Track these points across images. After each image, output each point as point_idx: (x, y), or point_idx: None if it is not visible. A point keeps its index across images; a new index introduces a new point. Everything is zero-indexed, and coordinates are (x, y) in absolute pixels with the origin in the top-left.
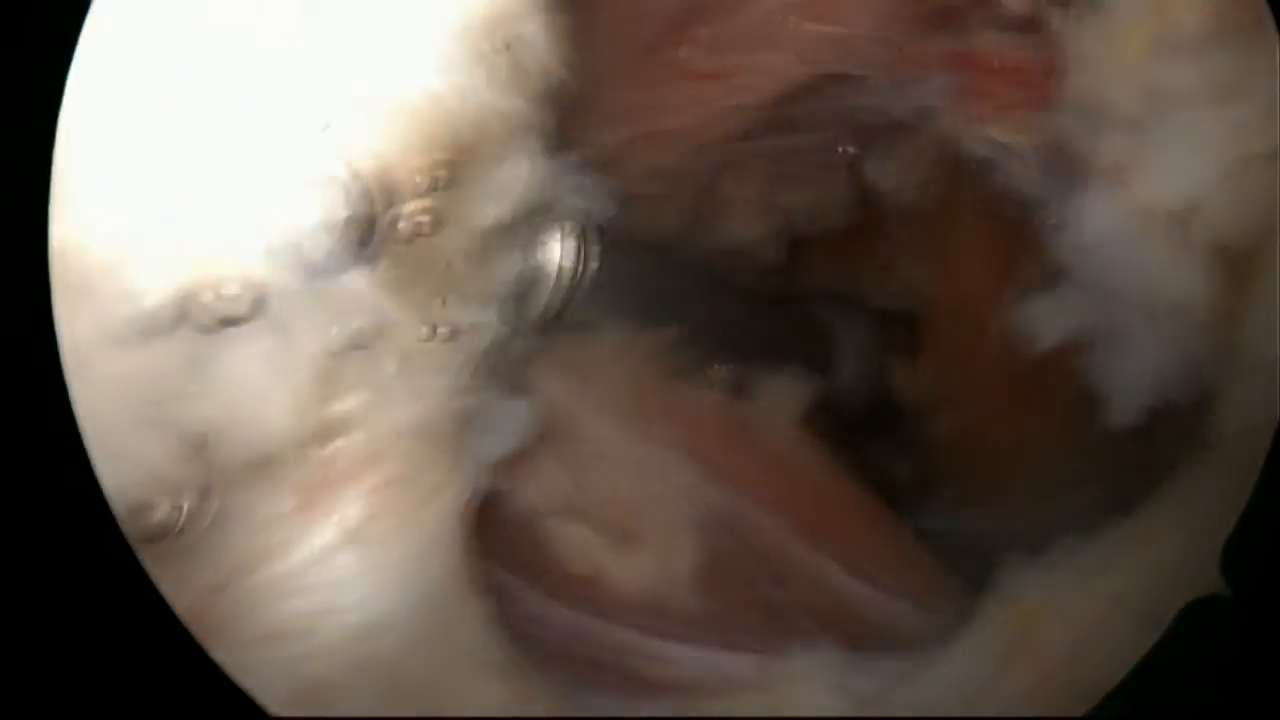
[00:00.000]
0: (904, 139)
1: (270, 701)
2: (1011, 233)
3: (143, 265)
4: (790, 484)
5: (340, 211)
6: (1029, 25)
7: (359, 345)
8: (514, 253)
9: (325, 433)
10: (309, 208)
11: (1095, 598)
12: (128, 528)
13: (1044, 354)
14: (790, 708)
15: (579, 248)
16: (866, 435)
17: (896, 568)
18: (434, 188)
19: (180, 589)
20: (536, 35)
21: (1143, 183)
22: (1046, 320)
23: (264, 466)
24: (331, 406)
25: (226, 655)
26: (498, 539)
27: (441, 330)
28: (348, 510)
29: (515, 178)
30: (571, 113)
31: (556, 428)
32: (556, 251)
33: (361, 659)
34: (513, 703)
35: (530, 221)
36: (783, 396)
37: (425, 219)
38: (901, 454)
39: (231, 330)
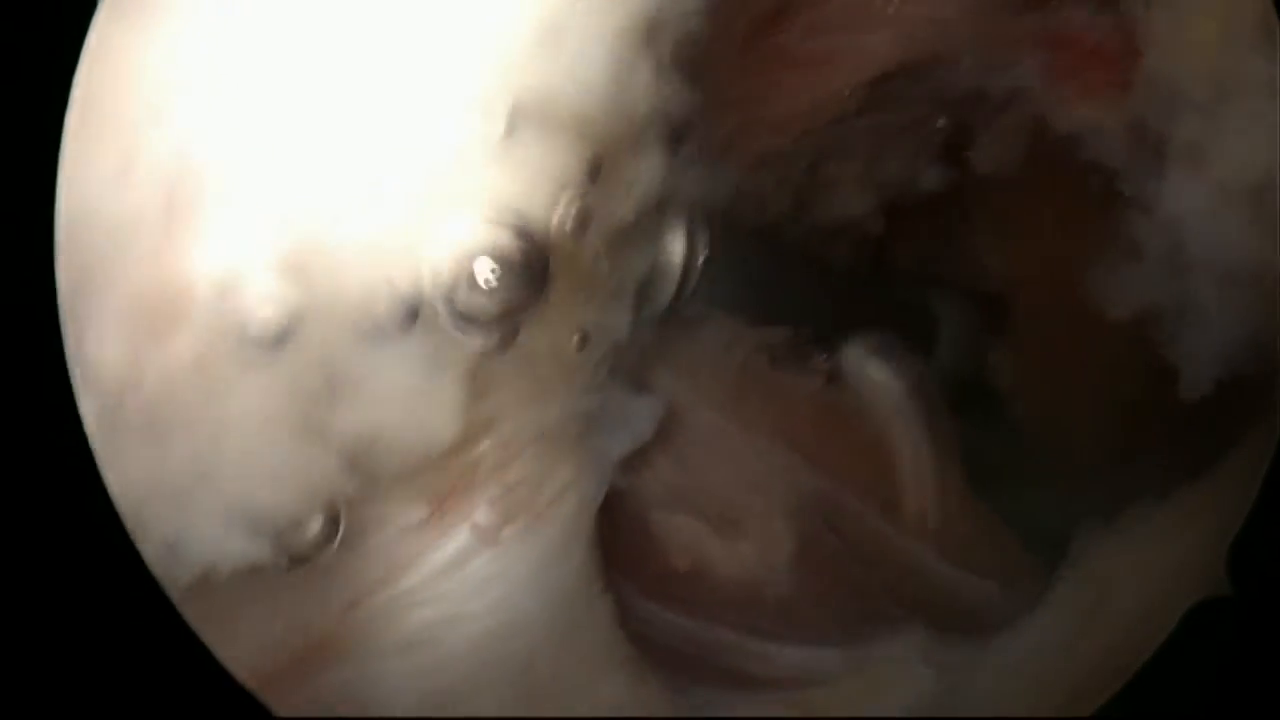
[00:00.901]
0: (995, 116)
1: (397, 710)
2: (1095, 209)
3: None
4: (883, 469)
5: (508, 252)
6: (1106, 5)
7: (506, 346)
8: (643, 248)
9: (468, 439)
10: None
11: (1168, 561)
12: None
13: (1121, 325)
14: (883, 690)
15: (692, 239)
16: (962, 415)
17: (984, 549)
18: (587, 184)
19: (318, 609)
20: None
21: (1218, 162)
22: (1124, 292)
23: (412, 475)
24: (477, 410)
25: (353, 671)
26: (610, 535)
27: (588, 329)
28: (478, 516)
29: (649, 171)
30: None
31: (665, 419)
32: (678, 245)
33: (490, 663)
34: (635, 700)
35: (656, 215)
36: (880, 384)
37: (574, 216)
38: (992, 432)
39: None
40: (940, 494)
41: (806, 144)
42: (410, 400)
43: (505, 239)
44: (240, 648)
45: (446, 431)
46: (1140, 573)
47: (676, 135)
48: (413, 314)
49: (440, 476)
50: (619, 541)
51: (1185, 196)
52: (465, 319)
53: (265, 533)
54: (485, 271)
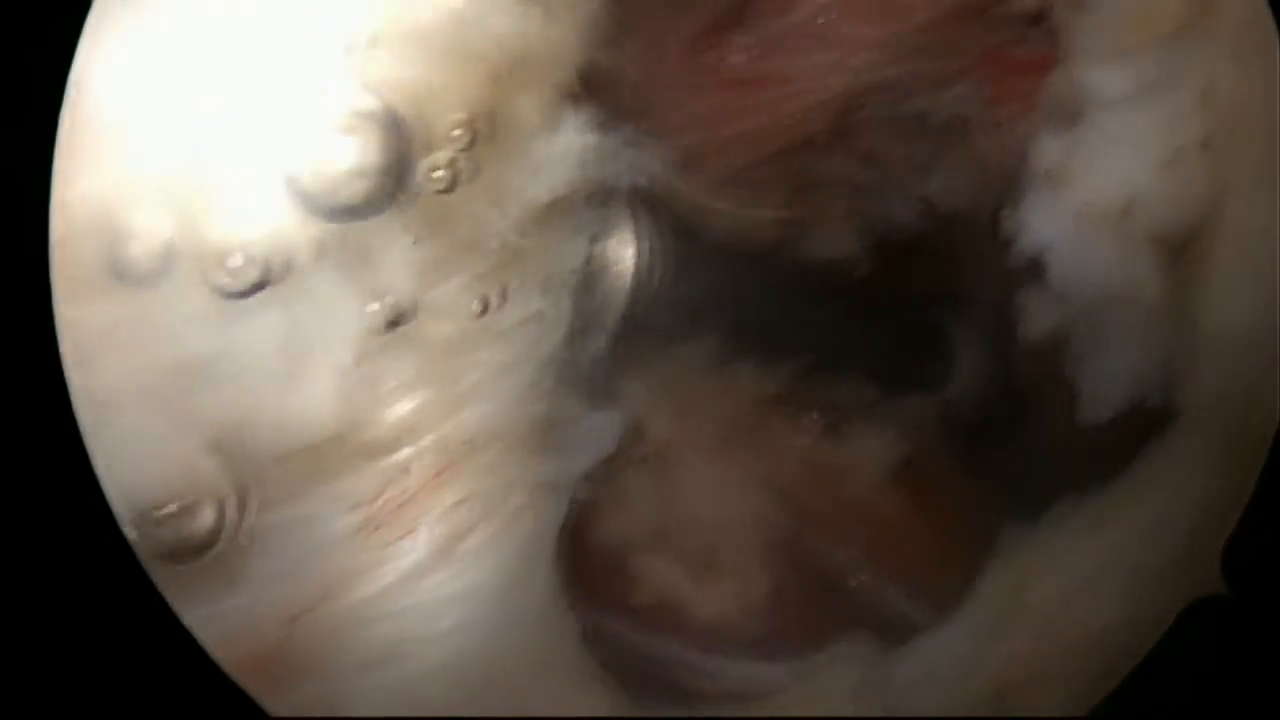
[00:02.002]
0: (946, 150)
1: None
2: None
3: (146, 218)
4: (870, 523)
5: (374, 153)
6: (1040, 19)
7: (399, 322)
8: (578, 238)
9: (387, 442)
10: (338, 149)
11: (1088, 553)
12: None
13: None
14: (825, 699)
15: (653, 246)
16: (997, 434)
17: (930, 562)
18: (471, 141)
19: (247, 619)
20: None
21: (1081, 183)
22: (1036, 313)
23: (315, 474)
24: (387, 409)
25: (318, 687)
26: (581, 564)
27: (504, 313)
28: (432, 529)
29: (565, 149)
30: (627, 100)
31: (644, 450)
32: (627, 245)
33: (455, 685)
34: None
35: (592, 206)
36: (877, 444)
37: (459, 170)
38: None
39: (257, 297)
40: (921, 547)
41: (780, 168)
42: (286, 375)
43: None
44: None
45: (335, 416)
46: (1056, 574)
47: (605, 119)
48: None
49: (362, 481)
50: (592, 572)
51: (1052, 221)
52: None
53: (148, 523)
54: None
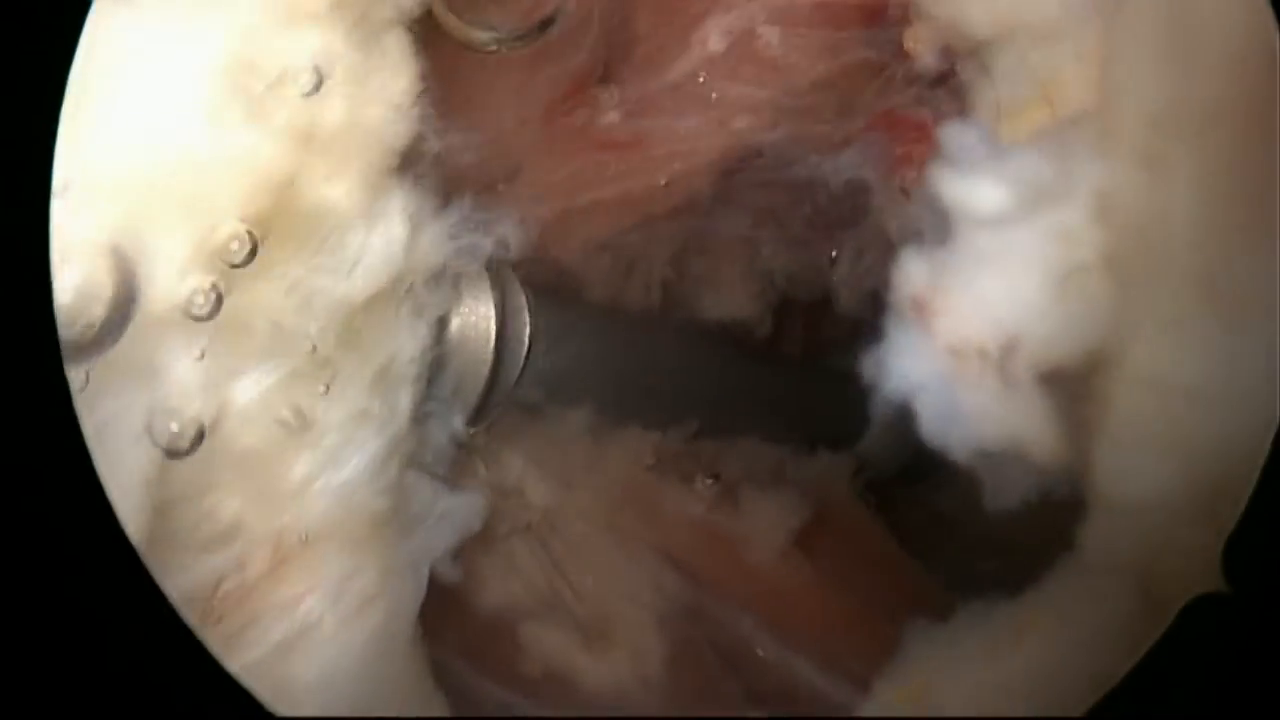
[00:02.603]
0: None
1: None
2: None
3: None
4: (774, 591)
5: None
6: (945, 79)
7: (197, 441)
8: (418, 324)
9: (216, 538)
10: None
11: (986, 682)
12: None
13: None
14: None
15: (519, 318)
16: (922, 479)
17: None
18: (252, 251)
19: None
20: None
21: (949, 318)
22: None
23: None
24: (208, 511)
25: None
26: (467, 638)
27: (325, 415)
28: (270, 625)
29: (388, 238)
30: (469, 173)
31: (527, 518)
32: (487, 319)
33: None
34: None
35: (437, 287)
36: (773, 514)
37: (209, 298)
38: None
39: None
40: (823, 612)
41: (659, 233)
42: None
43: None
44: None
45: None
46: (960, 679)
47: (436, 203)
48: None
49: (195, 575)
50: (479, 646)
51: (918, 363)
52: None
53: None
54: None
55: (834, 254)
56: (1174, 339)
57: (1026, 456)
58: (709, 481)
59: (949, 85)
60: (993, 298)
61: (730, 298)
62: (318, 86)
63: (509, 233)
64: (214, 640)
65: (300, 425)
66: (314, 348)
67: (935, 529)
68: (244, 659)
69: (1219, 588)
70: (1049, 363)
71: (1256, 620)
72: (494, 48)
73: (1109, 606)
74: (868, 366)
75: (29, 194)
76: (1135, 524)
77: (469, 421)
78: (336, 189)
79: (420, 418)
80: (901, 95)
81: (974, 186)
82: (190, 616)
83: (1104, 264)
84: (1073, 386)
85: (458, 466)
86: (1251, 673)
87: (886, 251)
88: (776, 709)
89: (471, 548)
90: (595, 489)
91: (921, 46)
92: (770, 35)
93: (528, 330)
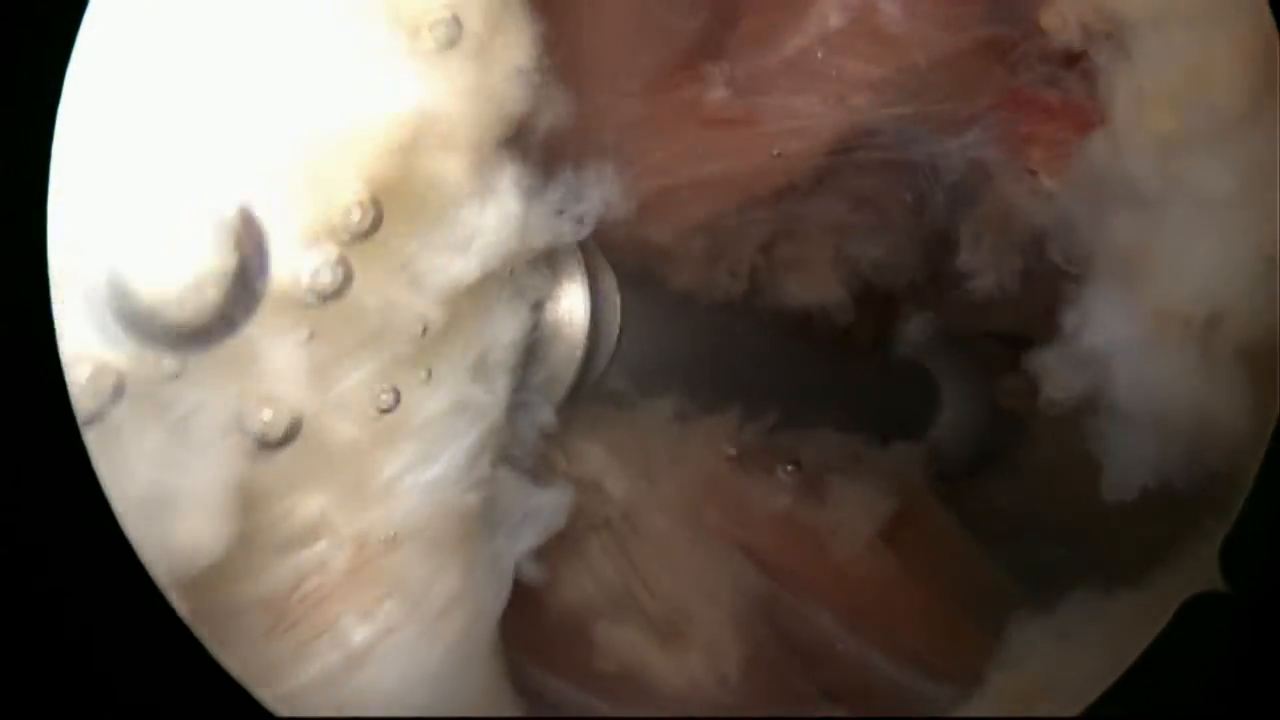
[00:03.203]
0: (966, 205)
1: None
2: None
3: None
4: (854, 588)
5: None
6: (1076, 60)
7: (296, 428)
8: (518, 307)
9: (298, 537)
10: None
11: (1094, 664)
12: None
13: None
14: None
15: (609, 302)
16: (984, 472)
17: (951, 654)
18: (375, 221)
19: None
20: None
21: (1157, 280)
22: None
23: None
24: (290, 509)
25: None
26: (539, 638)
27: (423, 404)
28: (350, 631)
29: (501, 217)
30: (570, 148)
31: (608, 517)
32: (579, 304)
33: None
34: None
35: (536, 269)
36: (858, 505)
37: (336, 272)
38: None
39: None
40: (906, 609)
41: (755, 217)
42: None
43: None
44: None
45: (218, 543)
46: (1070, 670)
47: (540, 181)
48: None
49: (272, 577)
50: (553, 646)
51: (1117, 324)
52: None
53: None
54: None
55: (936, 240)
56: None
57: (1215, 432)
58: (789, 469)
59: (1081, 67)
60: (1201, 269)
61: (815, 284)
62: (454, 42)
63: (607, 212)
64: (285, 648)
65: (399, 416)
66: (424, 329)
67: (991, 521)
68: (317, 667)
69: (1217, 586)
70: (1249, 340)
71: (1256, 619)
72: None
73: None
74: (1069, 321)
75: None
76: None
77: (558, 412)
78: (451, 160)
79: (513, 409)
80: (1030, 74)
81: (1199, 162)
82: (257, 625)
83: None
84: (1264, 367)
85: (540, 463)
86: (1250, 671)
87: (1007, 234)
88: (855, 707)
89: (548, 545)
90: (677, 482)
91: (1059, 22)
92: (892, 9)
93: (619, 317)
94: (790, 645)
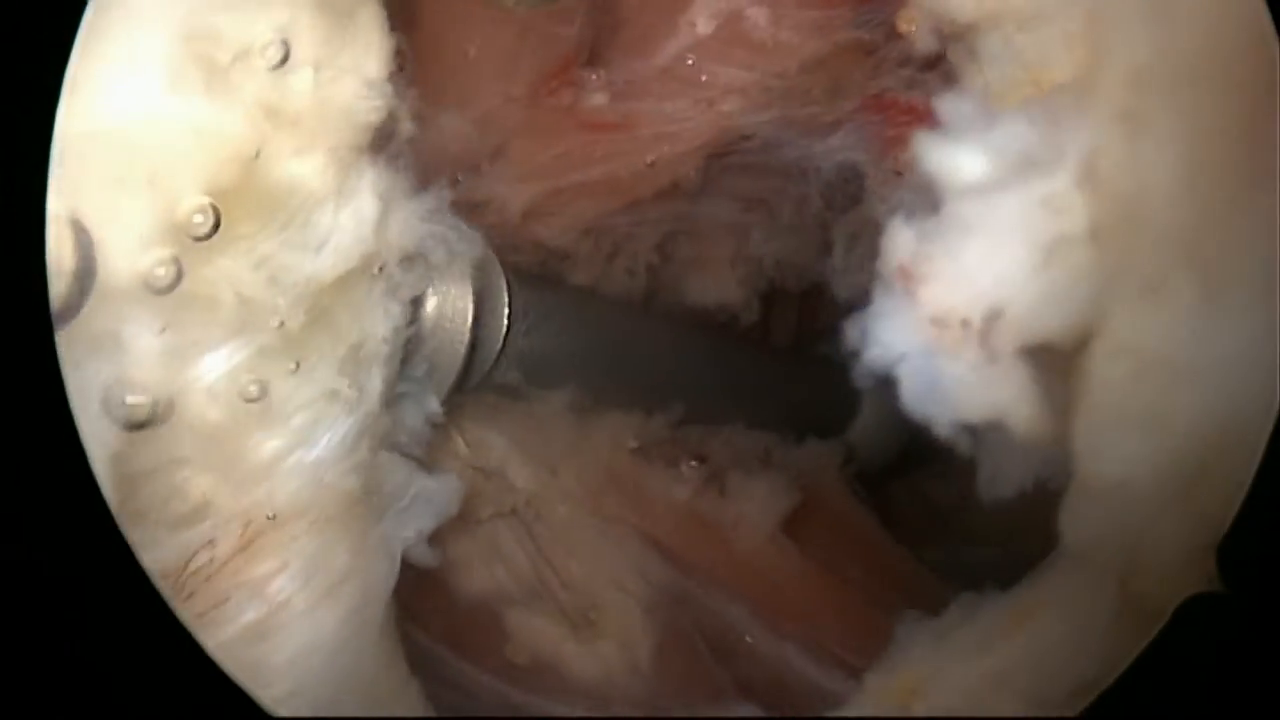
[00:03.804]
0: (845, 207)
1: None
2: None
3: None
4: (758, 578)
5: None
6: (935, 63)
7: (157, 415)
8: (391, 304)
9: (185, 516)
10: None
11: (978, 675)
12: None
13: None
14: None
15: (498, 300)
16: (919, 471)
17: (862, 647)
18: (205, 233)
19: None
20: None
21: (934, 287)
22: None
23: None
24: (169, 488)
25: None
26: (449, 624)
27: (292, 393)
28: (242, 604)
29: (358, 218)
30: (449, 155)
31: (514, 506)
32: (464, 300)
33: None
34: None
35: (412, 268)
36: (760, 499)
37: (172, 266)
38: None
39: None
40: (813, 598)
41: (644, 217)
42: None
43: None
44: None
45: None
46: (950, 682)
47: (409, 185)
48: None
49: (165, 552)
50: (463, 633)
51: (901, 334)
52: None
53: None
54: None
55: (829, 241)
56: (1155, 308)
57: (1008, 430)
58: (694, 465)
59: (940, 68)
60: (978, 267)
61: (717, 284)
62: (284, 60)
63: (497, 216)
64: (188, 617)
65: (268, 403)
66: (281, 323)
67: (928, 519)
68: (217, 637)
69: (1214, 588)
70: (1032, 334)
71: (1252, 620)
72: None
73: (1097, 598)
74: (852, 335)
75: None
76: (1119, 508)
77: (444, 403)
78: (305, 165)
79: (394, 399)
80: (893, 77)
81: (960, 155)
82: (165, 591)
83: (1089, 234)
84: (1055, 361)
85: (437, 448)
86: (1246, 673)
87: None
88: (766, 698)
89: (454, 532)
90: (579, 472)
91: (914, 27)
92: (759, 16)
93: (506, 312)
94: (702, 636)
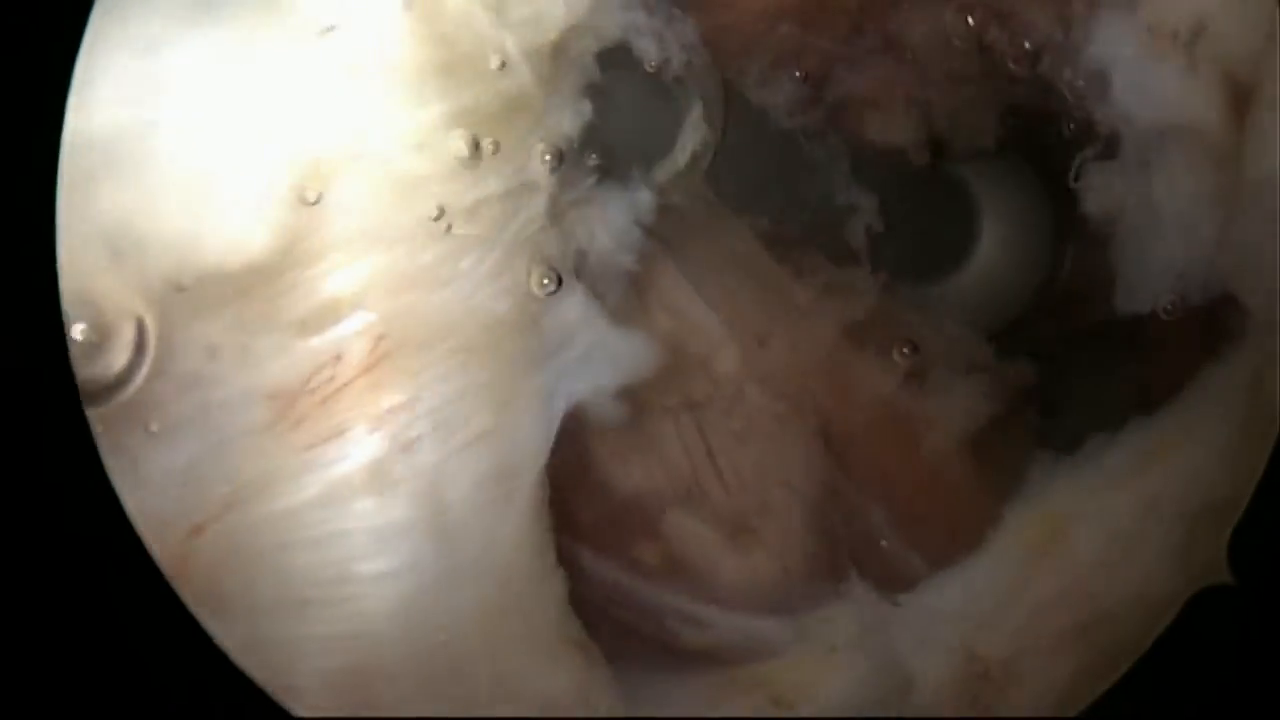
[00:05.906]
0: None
1: (290, 695)
2: None
3: None
4: (922, 486)
5: None
6: None
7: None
8: (578, 100)
9: (318, 311)
10: None
11: (1128, 499)
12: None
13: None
14: (827, 659)
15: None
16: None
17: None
18: None
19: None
20: None
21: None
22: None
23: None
24: (316, 257)
25: (226, 630)
26: (597, 519)
27: (494, 168)
28: (362, 440)
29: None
30: None
31: (686, 384)
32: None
33: (405, 641)
34: (578, 690)
35: (609, 66)
36: (960, 401)
37: None
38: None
39: None
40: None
41: (818, 43)
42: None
43: None
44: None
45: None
46: (1097, 514)
47: None
48: None
49: (284, 362)
50: (614, 531)
51: (1117, 43)
52: None
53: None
54: None
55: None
56: None
57: (1196, 138)
58: (905, 353)
59: None
60: None
61: (886, 126)
62: None
63: (688, 37)
64: (284, 451)
65: (466, 172)
66: (502, 63)
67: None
68: (326, 476)
69: (1225, 580)
70: (1226, 57)
71: (1262, 614)
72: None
73: (1230, 412)
74: (1074, 36)
75: None
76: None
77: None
78: None
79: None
80: None
81: None
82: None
83: None
84: (1240, 84)
85: (617, 296)
86: (1257, 667)
87: None
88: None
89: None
90: (792, 346)
91: None
92: None
93: (721, 121)
94: (838, 541)
